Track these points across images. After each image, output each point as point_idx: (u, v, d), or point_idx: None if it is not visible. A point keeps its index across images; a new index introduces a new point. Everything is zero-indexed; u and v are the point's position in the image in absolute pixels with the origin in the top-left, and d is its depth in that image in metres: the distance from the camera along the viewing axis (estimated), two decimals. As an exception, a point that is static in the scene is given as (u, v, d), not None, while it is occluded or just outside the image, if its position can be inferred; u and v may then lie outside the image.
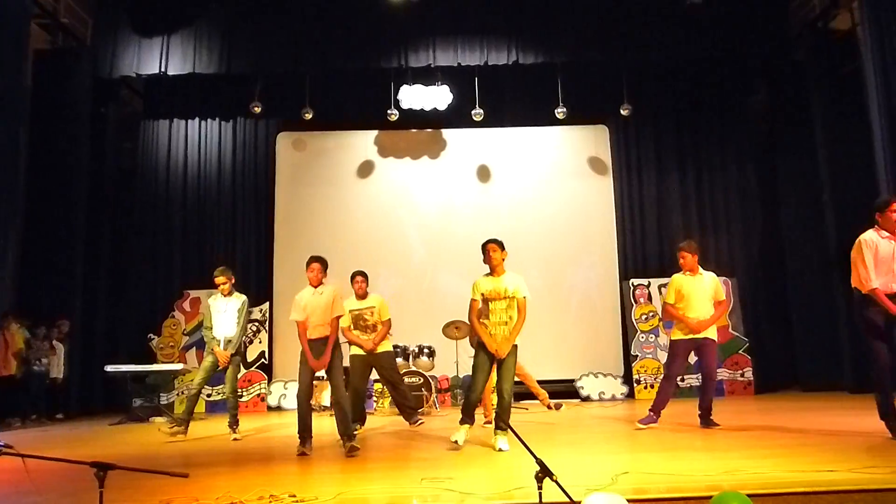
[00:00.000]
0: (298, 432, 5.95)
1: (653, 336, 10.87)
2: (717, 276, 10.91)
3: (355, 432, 7.05)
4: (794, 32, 10.96)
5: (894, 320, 5.30)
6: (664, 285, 10.85)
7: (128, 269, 11.55)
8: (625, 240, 11.76)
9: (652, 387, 10.62)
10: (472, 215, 11.82)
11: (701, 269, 6.97)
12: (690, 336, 6.74)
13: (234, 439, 7.06)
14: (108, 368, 9.43)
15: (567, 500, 3.16)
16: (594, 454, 5.62)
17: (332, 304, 6.16)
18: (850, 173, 9.89)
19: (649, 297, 11.02)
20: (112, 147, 11.61)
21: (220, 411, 10.35)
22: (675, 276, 7.03)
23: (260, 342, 10.96)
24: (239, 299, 7.35)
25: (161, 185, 11.86)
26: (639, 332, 10.98)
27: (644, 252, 11.56)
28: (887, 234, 5.46)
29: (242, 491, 4.13)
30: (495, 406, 6.11)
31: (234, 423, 7.22)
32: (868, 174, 9.04)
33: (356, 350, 7.31)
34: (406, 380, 9.04)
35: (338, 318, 6.21)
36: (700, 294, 6.82)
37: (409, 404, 7.46)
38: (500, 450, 5.57)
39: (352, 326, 7.34)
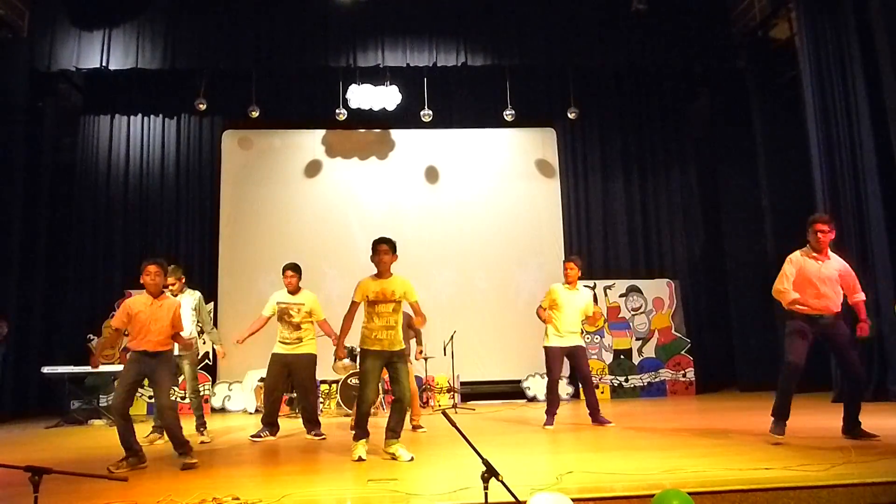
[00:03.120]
0: (124, 448, 5.34)
1: (598, 337, 11.02)
2: (660, 277, 11.22)
3: (260, 437, 6.88)
4: (736, 41, 11.24)
5: (817, 328, 5.48)
6: (609, 287, 11.12)
7: (66, 267, 11.21)
8: (571, 242, 11.89)
9: (597, 387, 10.76)
10: (419, 216, 11.83)
11: (579, 285, 7.51)
12: (559, 344, 7.26)
13: (202, 442, 6.78)
14: (45, 370, 9.15)
15: (513, 499, 3.19)
16: (539, 454, 5.68)
17: (174, 319, 5.57)
18: (787, 179, 10.19)
19: (595, 299, 11.16)
20: (50, 142, 11.20)
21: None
22: (555, 285, 7.54)
23: (204, 343, 10.74)
24: (192, 296, 7.18)
25: (101, 182, 11.55)
26: (584, 333, 11.10)
27: (590, 254, 11.69)
28: (815, 254, 5.63)
29: (184, 494, 4.05)
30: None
31: (201, 426, 7.03)
32: (805, 180, 9.35)
33: (277, 349, 7.04)
34: (353, 381, 8.97)
35: (178, 333, 5.65)
36: (572, 307, 7.36)
37: (311, 416, 7.13)
38: (409, 459, 5.25)
39: (274, 317, 7.08)
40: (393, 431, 5.53)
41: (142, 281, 5.55)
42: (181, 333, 5.74)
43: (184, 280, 7.24)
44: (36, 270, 10.70)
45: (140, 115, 11.82)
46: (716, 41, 11.24)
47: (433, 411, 9.42)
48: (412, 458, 5.27)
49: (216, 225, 11.73)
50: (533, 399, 10.77)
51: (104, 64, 10.58)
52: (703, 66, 11.64)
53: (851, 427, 5.50)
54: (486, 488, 3.18)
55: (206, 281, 11.15)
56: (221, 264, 11.55)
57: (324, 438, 6.89)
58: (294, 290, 7.13)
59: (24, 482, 3.11)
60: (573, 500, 3.21)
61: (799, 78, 9.53)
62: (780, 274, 5.62)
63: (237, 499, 3.91)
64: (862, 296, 5.68)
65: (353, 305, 5.71)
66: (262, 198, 11.87)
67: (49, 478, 3.13)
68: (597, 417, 7.21)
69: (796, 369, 5.47)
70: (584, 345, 7.52)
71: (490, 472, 3.15)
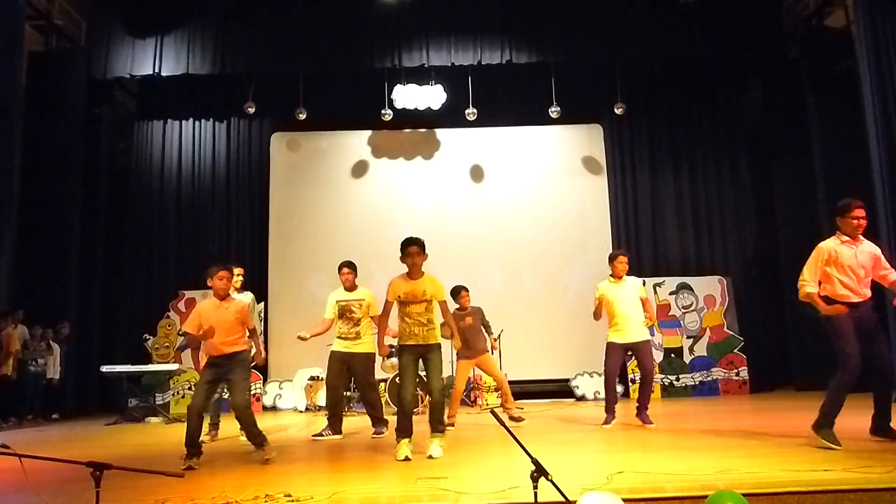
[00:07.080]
0: (185, 445, 5.36)
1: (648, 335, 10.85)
2: (711, 274, 10.98)
3: (322, 436, 6.91)
4: (788, 30, 10.99)
5: (860, 324, 5.33)
6: (659, 284, 10.96)
7: (123, 269, 11.53)
8: (619, 238, 11.75)
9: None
10: (465, 215, 11.84)
11: (625, 277, 7.30)
12: (617, 340, 7.17)
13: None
14: (104, 369, 9.42)
15: (562, 499, 3.17)
16: (589, 453, 5.63)
17: (242, 319, 5.66)
18: (844, 171, 9.89)
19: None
20: (106, 148, 11.59)
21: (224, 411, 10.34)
22: (600, 283, 7.41)
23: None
24: (247, 297, 7.13)
25: (155, 186, 11.85)
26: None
27: (638, 250, 11.56)
28: (847, 238, 5.49)
29: (238, 491, 4.12)
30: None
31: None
32: (863, 174, 9.05)
33: (336, 346, 7.10)
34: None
35: (254, 329, 5.92)
36: (626, 298, 7.16)
37: (375, 414, 7.15)
38: (430, 456, 5.31)
39: (335, 318, 7.12)
40: (431, 426, 5.61)
41: (210, 284, 5.65)
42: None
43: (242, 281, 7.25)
44: (94, 272, 11.05)
45: (191, 120, 12.10)
46: (768, 31, 11.01)
47: (481, 410, 9.41)
48: (432, 457, 5.30)
49: (266, 226, 11.93)
50: (581, 398, 10.70)
51: (157, 71, 10.88)
52: (754, 58, 11.41)
53: (880, 425, 5.29)
54: (535, 488, 3.16)
55: (256, 281, 11.33)
56: (271, 265, 11.74)
57: (384, 435, 6.90)
58: (351, 287, 7.16)
59: (85, 477, 3.21)
60: (624, 500, 3.17)
61: (856, 68, 9.23)
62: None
63: (289, 496, 3.96)
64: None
65: (388, 304, 5.73)
66: (311, 198, 12.02)
67: (109, 473, 3.22)
68: (641, 414, 7.05)
69: (852, 374, 5.31)
70: (648, 339, 7.25)
71: (539, 472, 3.14)
